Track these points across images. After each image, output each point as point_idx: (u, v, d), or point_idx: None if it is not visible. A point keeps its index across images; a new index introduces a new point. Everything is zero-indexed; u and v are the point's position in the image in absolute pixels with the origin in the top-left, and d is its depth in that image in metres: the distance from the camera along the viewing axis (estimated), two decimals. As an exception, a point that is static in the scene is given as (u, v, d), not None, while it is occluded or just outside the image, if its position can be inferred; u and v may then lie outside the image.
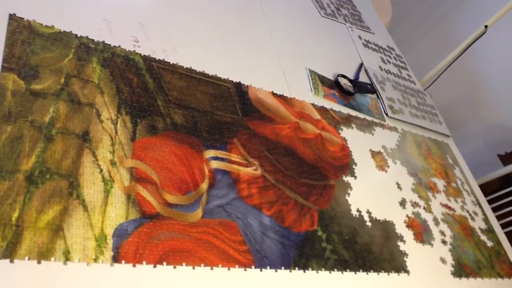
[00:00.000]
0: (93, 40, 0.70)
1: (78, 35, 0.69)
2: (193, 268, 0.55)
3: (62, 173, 0.53)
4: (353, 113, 1.04)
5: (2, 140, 0.51)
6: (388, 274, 0.76)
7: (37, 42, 0.63)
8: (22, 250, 0.45)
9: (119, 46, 0.73)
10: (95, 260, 0.49)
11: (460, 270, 0.89)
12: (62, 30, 0.67)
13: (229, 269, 0.58)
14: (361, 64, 1.25)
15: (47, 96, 0.58)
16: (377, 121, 1.09)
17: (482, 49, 1.98)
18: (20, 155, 0.51)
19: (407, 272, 0.79)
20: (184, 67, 0.78)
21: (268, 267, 0.62)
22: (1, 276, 0.43)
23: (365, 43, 1.37)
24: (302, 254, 0.67)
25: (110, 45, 0.71)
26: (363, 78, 1.20)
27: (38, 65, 0.60)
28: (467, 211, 1.07)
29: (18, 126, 0.53)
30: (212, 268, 0.56)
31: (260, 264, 0.61)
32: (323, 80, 1.06)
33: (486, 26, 1.34)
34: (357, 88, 1.11)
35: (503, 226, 1.17)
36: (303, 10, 1.30)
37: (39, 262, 0.45)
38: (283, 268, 0.63)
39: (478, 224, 1.07)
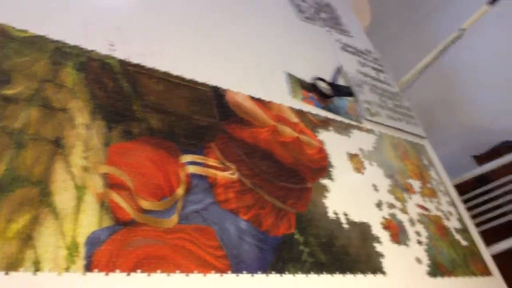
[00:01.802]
0: (69, 44, 0.69)
1: (54, 39, 0.68)
2: (168, 275, 0.54)
3: (33, 181, 0.52)
4: (331, 116, 1.05)
5: (-30, 148, 0.50)
6: (365, 275, 0.77)
7: (10, 46, 0.62)
8: (-10, 261, 0.44)
9: (95, 50, 0.72)
10: (67, 269, 0.48)
11: (436, 270, 0.91)
12: (37, 34, 0.66)
13: (205, 275, 0.58)
14: (339, 67, 1.25)
15: (19, 101, 0.57)
16: (355, 123, 1.10)
17: (458, 52, 2.02)
18: (-11, 163, 0.50)
19: (383, 273, 0.80)
20: (161, 71, 0.78)
21: (244, 272, 0.62)
22: (-32, 287, 0.42)
23: (343, 46, 1.38)
24: (279, 257, 0.68)
25: (85, 49, 0.71)
26: (341, 81, 1.21)
27: (11, 70, 0.59)
28: (442, 211, 1.09)
29: (-13, 133, 0.52)
30: (187, 275, 0.56)
31: (237, 269, 0.61)
32: (301, 83, 1.06)
33: (462, 29, 1.37)
34: (335, 91, 1.12)
35: (477, 225, 1.19)
36: (282, 14, 1.30)
37: (6, 274, 0.44)
38: (260, 272, 0.63)
39: (453, 224, 1.08)
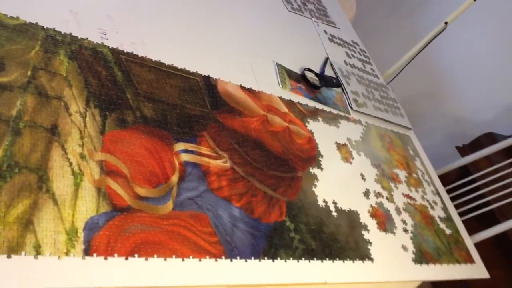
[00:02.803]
0: (60, 32, 0.69)
1: (45, 27, 0.68)
2: (165, 259, 0.56)
3: (31, 167, 0.52)
4: (319, 106, 1.06)
5: (-32, 134, 0.50)
6: (353, 262, 0.79)
7: (1, 34, 0.62)
8: (-9, 245, 0.45)
9: (87, 38, 0.72)
10: (67, 253, 0.49)
11: (421, 257, 0.93)
12: (28, 22, 0.66)
13: (200, 260, 0.59)
14: (327, 58, 1.27)
15: (14, 89, 0.57)
16: (342, 114, 1.11)
17: (441, 45, 2.05)
18: (-13, 149, 0.50)
19: (371, 259, 0.82)
20: (153, 60, 0.78)
21: (238, 257, 0.63)
22: (-30, 271, 0.42)
23: (330, 37, 1.39)
24: (271, 244, 0.69)
25: (77, 37, 0.71)
26: (328, 72, 1.22)
27: (3, 57, 0.59)
28: (427, 201, 1.12)
29: (-16, 120, 0.52)
30: (183, 260, 0.57)
31: (231, 254, 0.63)
32: (290, 73, 1.08)
33: (446, 23, 1.40)
34: (323, 82, 1.14)
35: (460, 214, 1.23)
36: (270, 5, 1.31)
37: (9, 257, 0.45)
38: (252, 258, 0.65)
39: (437, 213, 1.11)
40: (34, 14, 0.68)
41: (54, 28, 0.69)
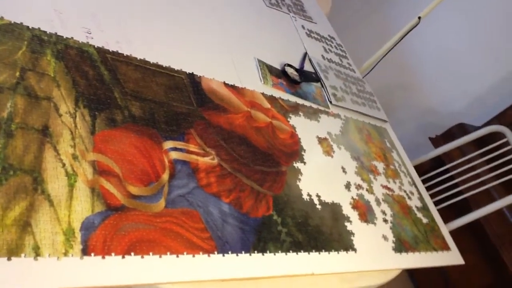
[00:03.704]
0: (45, 32, 0.69)
1: (30, 27, 0.67)
2: (160, 256, 0.57)
3: (25, 169, 0.52)
4: (300, 101, 1.09)
5: (-40, 137, 0.50)
6: (338, 252, 0.82)
7: (-13, 35, 0.61)
8: (-9, 248, 0.45)
9: (72, 37, 0.72)
10: (65, 254, 0.49)
11: (400, 246, 0.97)
12: (12, 22, 0.65)
13: (193, 256, 0.60)
14: (305, 54, 1.29)
15: (4, 90, 0.57)
16: (322, 108, 1.14)
17: (413, 38, 2.10)
18: (-20, 152, 0.50)
19: (354, 250, 0.85)
20: (138, 58, 0.79)
21: (230, 252, 0.65)
22: (-28, 274, 0.43)
23: (308, 32, 1.42)
24: (260, 238, 0.71)
25: (62, 36, 0.71)
26: (307, 67, 1.24)
27: (-10, 58, 0.59)
28: (405, 191, 1.16)
29: (-25, 122, 0.52)
30: (177, 256, 0.59)
31: (222, 249, 0.64)
32: (271, 69, 1.09)
33: (419, 18, 1.44)
34: (302, 77, 1.16)
35: (435, 204, 1.27)
36: (248, 0, 1.32)
37: (9, 259, 0.46)
38: (243, 252, 0.67)
39: (414, 203, 1.15)
40: (18, 14, 0.67)
41: (39, 28, 0.68)
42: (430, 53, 2.20)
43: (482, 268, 1.89)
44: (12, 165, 0.52)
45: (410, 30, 1.51)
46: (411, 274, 2.21)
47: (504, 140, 1.56)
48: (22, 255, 0.46)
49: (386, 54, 1.61)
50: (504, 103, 2.05)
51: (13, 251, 0.46)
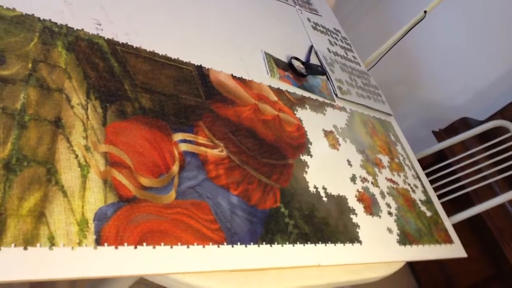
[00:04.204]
0: (56, 23, 0.69)
1: (41, 18, 0.67)
2: (171, 247, 0.58)
3: (39, 160, 0.53)
4: (306, 94, 1.09)
5: (-24, 128, 0.50)
6: (344, 244, 0.83)
7: (0, 26, 0.61)
8: (7, 238, 0.46)
9: (82, 29, 0.72)
10: (79, 244, 0.50)
11: (405, 239, 0.98)
12: (24, 13, 0.66)
13: (204, 247, 0.61)
14: (311, 47, 1.29)
15: (16, 82, 0.58)
16: (328, 101, 1.14)
17: (417, 31, 2.10)
18: (-5, 143, 0.51)
19: (359, 242, 0.86)
20: (147, 50, 0.79)
21: (238, 243, 0.66)
22: (-10, 263, 0.44)
23: (314, 25, 1.41)
24: (268, 229, 0.72)
25: (73, 28, 0.71)
26: (313, 60, 1.25)
27: (3, 50, 0.59)
28: (409, 185, 1.17)
29: (-10, 113, 0.53)
30: (188, 247, 0.59)
31: (231, 240, 0.65)
32: (277, 62, 1.10)
33: (425, 12, 1.43)
34: (309, 70, 1.16)
35: (438, 197, 1.28)
36: (254, -8, 1.32)
37: (25, 248, 0.46)
38: (252, 243, 0.68)
39: (418, 196, 1.16)
40: (30, 6, 0.68)
41: (50, 19, 0.69)
42: (434, 46, 2.20)
43: (483, 261, 1.90)
44: (26, 156, 0.52)
45: (416, 24, 1.51)
46: (412, 265, 2.22)
47: (508, 135, 1.57)
48: (38, 244, 0.47)
49: (392, 47, 1.61)
50: (507, 98, 2.05)
51: (29, 241, 0.47)
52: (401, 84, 2.35)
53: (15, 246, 0.46)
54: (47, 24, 0.68)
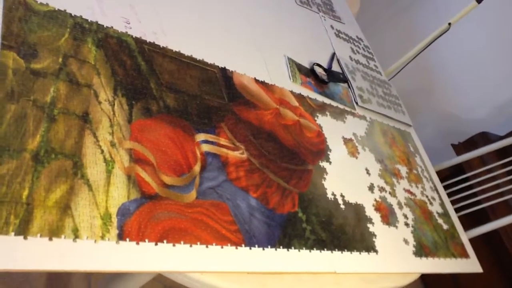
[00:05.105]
0: (87, 20, 0.70)
1: (72, 14, 0.69)
2: (191, 246, 0.58)
3: (66, 153, 0.54)
4: (327, 101, 1.09)
5: (7, 119, 0.51)
6: (360, 253, 0.82)
7: (33, 20, 0.63)
8: (34, 228, 0.47)
9: (112, 27, 0.73)
10: (102, 237, 0.51)
11: (421, 250, 0.97)
12: (56, 9, 0.67)
13: (222, 247, 0.61)
14: (334, 54, 1.29)
15: (47, 75, 0.59)
16: (348, 109, 1.14)
17: (439, 42, 2.08)
18: (25, 134, 0.52)
19: (376, 251, 0.86)
20: (174, 50, 0.80)
21: (256, 246, 0.66)
22: (16, 252, 0.44)
23: (337, 33, 1.41)
24: (285, 234, 0.72)
25: (103, 25, 0.72)
26: (335, 67, 1.25)
27: (36, 43, 0.61)
28: (426, 196, 1.16)
29: (21, 105, 0.54)
30: (207, 246, 0.60)
31: (249, 242, 0.65)
32: (300, 68, 1.10)
33: (449, 24, 1.43)
34: (330, 77, 1.16)
35: (456, 211, 1.27)
36: (279, -3, 1.32)
37: (50, 239, 0.47)
38: (269, 246, 0.68)
39: (435, 208, 1.15)
40: (62, 1, 0.69)
41: (81, 16, 0.70)
42: (456, 58, 2.18)
43: (495, 275, 1.87)
44: (54, 148, 0.53)
45: (439, 36, 1.50)
46: (423, 276, 2.19)
47: (528, 151, 1.54)
48: (62, 236, 0.48)
49: (414, 58, 1.60)
50: (528, 113, 2.03)
51: (54, 232, 0.47)
52: (419, 94, 2.33)
53: (40, 236, 0.46)
54: (78, 20, 0.69)
